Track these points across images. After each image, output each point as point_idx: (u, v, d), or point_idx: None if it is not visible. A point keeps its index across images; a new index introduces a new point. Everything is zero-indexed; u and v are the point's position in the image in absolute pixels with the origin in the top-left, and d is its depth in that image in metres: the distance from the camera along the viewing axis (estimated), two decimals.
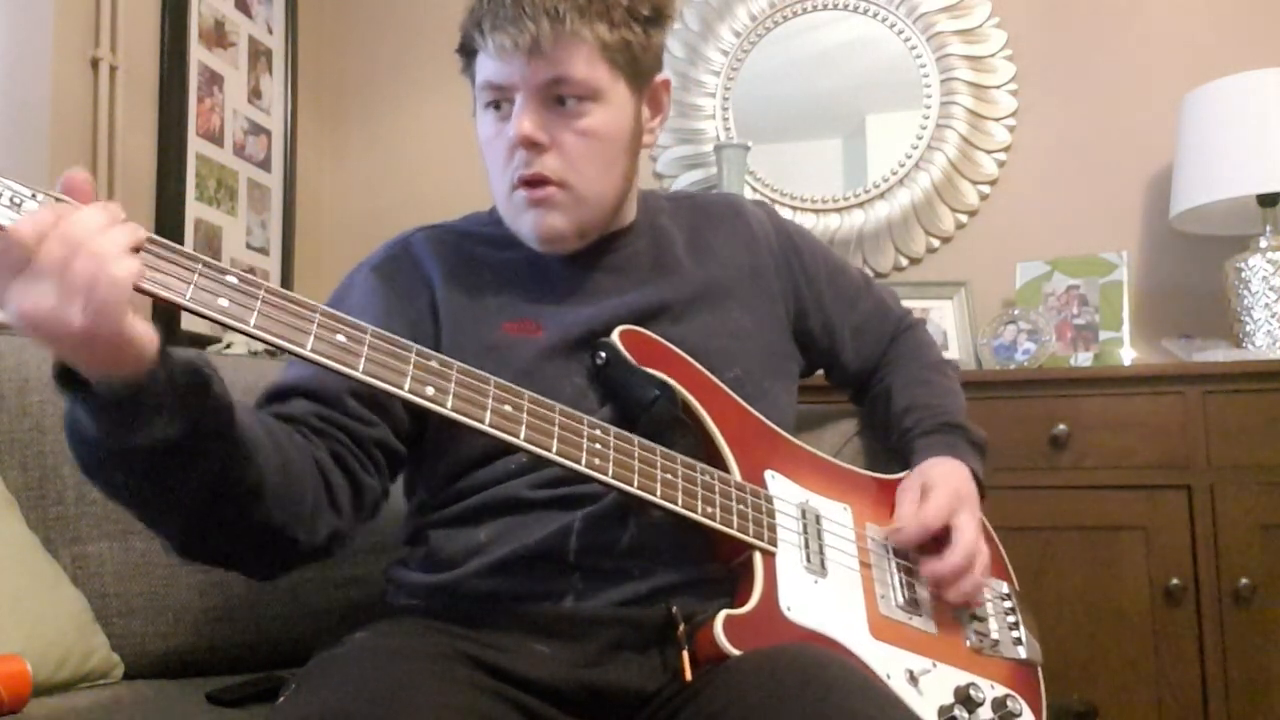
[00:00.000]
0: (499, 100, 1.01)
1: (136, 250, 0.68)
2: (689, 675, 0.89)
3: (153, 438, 0.72)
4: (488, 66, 1.00)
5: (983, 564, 1.07)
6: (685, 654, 0.90)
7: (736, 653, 0.87)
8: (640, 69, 1.04)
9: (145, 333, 0.68)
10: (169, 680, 1.25)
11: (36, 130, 1.84)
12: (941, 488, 1.09)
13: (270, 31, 2.54)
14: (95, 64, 1.95)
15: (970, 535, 1.06)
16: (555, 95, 0.99)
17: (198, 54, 2.24)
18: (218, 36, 2.32)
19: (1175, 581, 1.76)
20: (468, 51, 1.04)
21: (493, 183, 1.05)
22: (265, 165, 2.49)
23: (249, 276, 0.75)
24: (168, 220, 2.11)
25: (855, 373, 1.29)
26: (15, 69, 1.85)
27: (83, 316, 0.64)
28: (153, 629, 1.27)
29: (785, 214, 1.30)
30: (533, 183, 1.00)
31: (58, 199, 0.69)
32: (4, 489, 1.24)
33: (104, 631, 1.23)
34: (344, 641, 0.91)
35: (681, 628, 0.91)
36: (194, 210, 2.21)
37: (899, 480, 1.15)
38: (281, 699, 0.87)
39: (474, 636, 0.91)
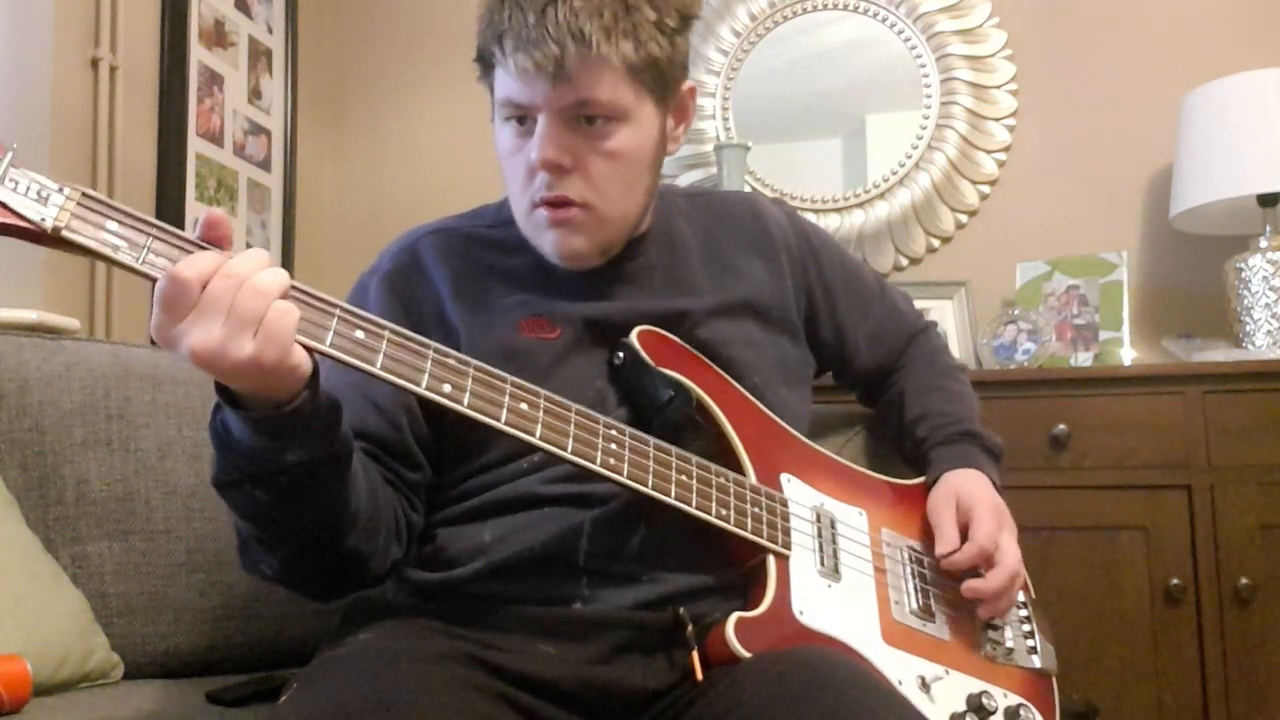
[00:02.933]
0: (520, 115, 0.99)
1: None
2: (699, 675, 0.88)
3: (302, 456, 0.78)
4: (508, 85, 0.97)
5: (1020, 583, 1.07)
6: (694, 654, 0.89)
7: (748, 655, 0.87)
8: (667, 82, 1.01)
9: (304, 358, 0.75)
10: (169, 680, 1.25)
11: (36, 130, 1.84)
12: (982, 506, 1.07)
13: (270, 31, 2.54)
14: (95, 64, 1.95)
15: (1013, 555, 1.06)
16: (579, 115, 0.96)
17: (198, 54, 2.24)
18: (218, 36, 2.32)
19: (1175, 581, 1.76)
20: (486, 63, 1.01)
21: (512, 196, 1.04)
22: (265, 165, 2.49)
23: None
24: (167, 220, 2.10)
25: (867, 377, 1.29)
26: (15, 69, 1.85)
27: (253, 346, 0.71)
28: (153, 629, 1.27)
29: None
30: (555, 204, 0.98)
31: (84, 193, 0.72)
32: (4, 489, 1.24)
33: (104, 631, 1.23)
34: (346, 642, 0.91)
35: (690, 628, 0.91)
36: (194, 210, 2.21)
37: (916, 486, 1.15)
38: (283, 699, 0.87)
39: (477, 637, 0.91)
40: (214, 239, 0.75)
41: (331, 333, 0.77)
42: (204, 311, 0.71)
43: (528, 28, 0.92)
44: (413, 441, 1.01)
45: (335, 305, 0.78)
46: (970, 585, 1.04)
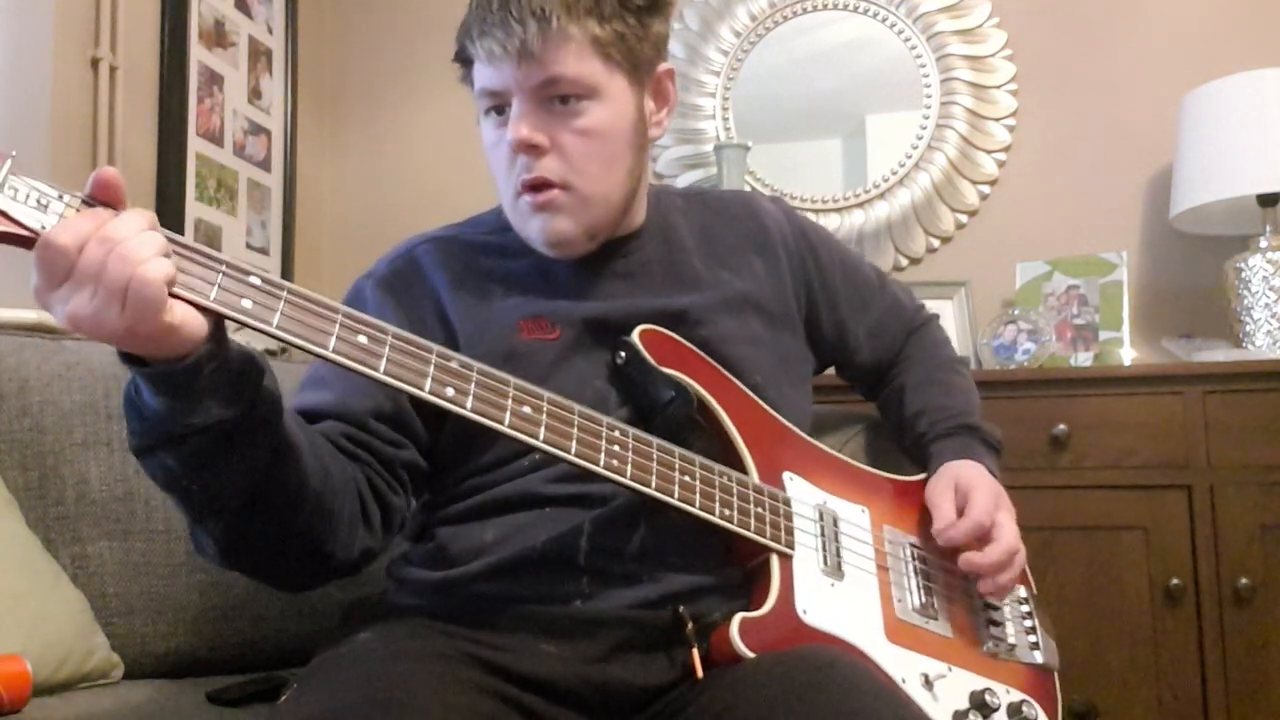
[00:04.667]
0: (498, 105, 1.00)
1: (166, 255, 0.70)
2: (700, 673, 0.89)
3: (209, 418, 0.74)
4: (482, 74, 0.99)
5: (1021, 561, 1.07)
6: (695, 651, 0.90)
7: (751, 655, 0.87)
8: (638, 60, 1.02)
9: (190, 319, 0.71)
10: (169, 680, 1.25)
11: (37, 130, 1.84)
12: (980, 487, 1.08)
13: (270, 31, 2.54)
14: (95, 64, 1.95)
15: (1012, 532, 1.06)
16: (551, 96, 0.98)
17: (198, 54, 2.24)
18: (218, 36, 2.32)
19: (1175, 581, 1.76)
20: (464, 60, 1.03)
21: (499, 190, 1.05)
22: (265, 165, 2.49)
23: (271, 277, 0.76)
24: (168, 220, 2.10)
25: (868, 371, 1.29)
26: (15, 69, 1.85)
27: (121, 318, 0.67)
28: (153, 629, 1.27)
29: None
30: (536, 187, 0.99)
31: (85, 201, 0.70)
32: (4, 489, 1.24)
33: (104, 631, 1.23)
34: (346, 641, 0.91)
35: (690, 627, 0.91)
36: (194, 210, 2.21)
37: (917, 482, 1.15)
38: (283, 699, 0.87)
39: (477, 637, 0.91)
40: (105, 200, 0.71)
41: (334, 338, 0.77)
42: (78, 280, 0.68)
43: (492, 13, 0.95)
44: (414, 416, 0.99)
45: (337, 310, 0.78)
46: (967, 558, 1.04)
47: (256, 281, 0.74)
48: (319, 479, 0.86)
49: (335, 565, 0.92)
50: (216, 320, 0.73)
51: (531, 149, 0.98)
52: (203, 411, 0.74)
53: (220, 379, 0.74)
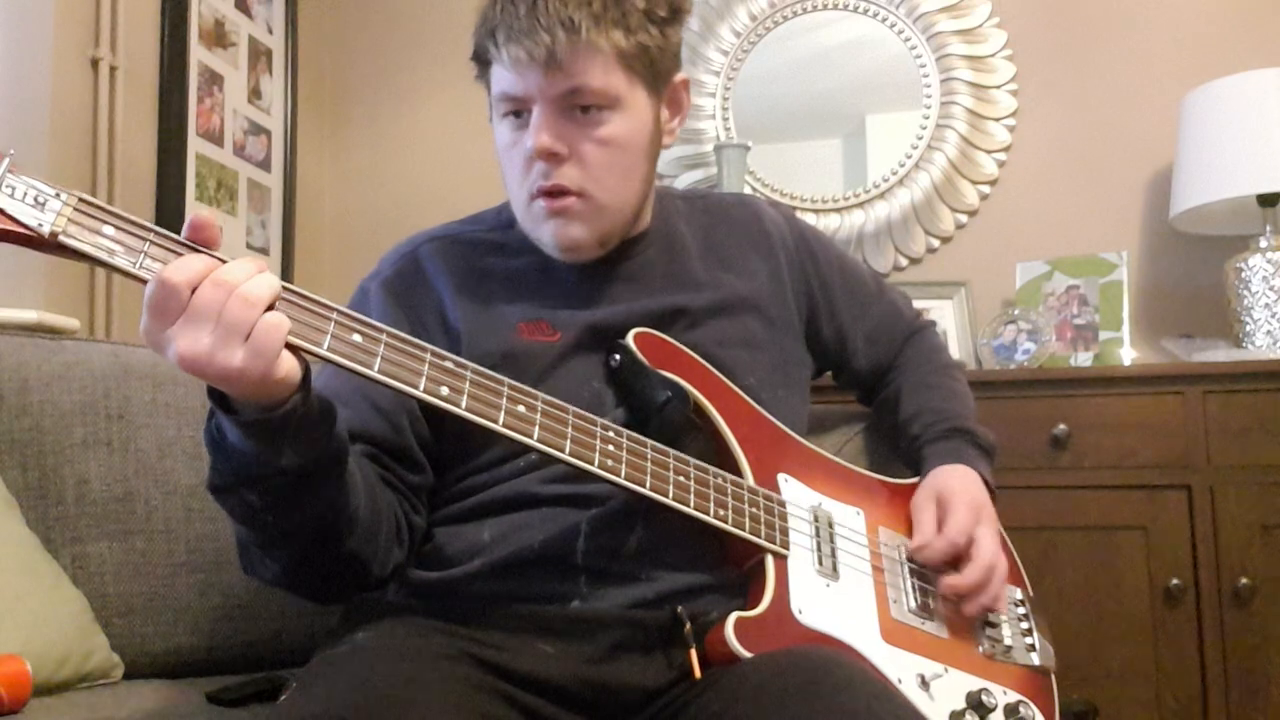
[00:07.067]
0: (516, 109, 1.00)
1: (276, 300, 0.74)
2: (698, 673, 0.89)
3: (295, 460, 0.78)
4: (504, 78, 0.99)
5: (1001, 576, 1.06)
6: (693, 652, 0.90)
7: (747, 655, 0.87)
8: (659, 71, 1.03)
9: (293, 367, 0.75)
10: (169, 680, 1.25)
11: (36, 130, 1.84)
12: (960, 501, 1.07)
13: (270, 31, 2.54)
14: (95, 64, 1.95)
15: (990, 549, 1.05)
16: (573, 105, 0.98)
17: (198, 54, 2.24)
18: (218, 36, 2.32)
19: (1175, 581, 1.76)
20: (482, 61, 1.03)
21: (510, 191, 1.05)
22: (265, 165, 2.49)
23: None
24: (168, 220, 2.11)
25: (866, 376, 1.29)
26: (15, 69, 1.85)
27: (241, 357, 0.71)
28: (153, 629, 1.27)
29: None
30: (552, 193, 0.99)
31: (81, 198, 0.71)
32: (4, 489, 1.24)
33: (104, 631, 1.23)
34: (345, 641, 0.91)
35: (688, 627, 0.91)
36: (194, 210, 2.21)
37: (912, 485, 1.15)
38: (282, 698, 0.87)
39: (476, 636, 0.91)
40: (202, 240, 0.75)
41: (329, 336, 0.77)
42: (192, 318, 0.71)
43: (519, 19, 0.95)
44: (415, 444, 1.01)
45: (332, 309, 0.78)
46: (946, 582, 1.04)
47: None
48: (369, 504, 0.90)
49: (372, 581, 0.95)
50: (306, 369, 0.77)
51: (552, 157, 0.98)
52: (289, 455, 0.78)
53: (305, 426, 0.78)
